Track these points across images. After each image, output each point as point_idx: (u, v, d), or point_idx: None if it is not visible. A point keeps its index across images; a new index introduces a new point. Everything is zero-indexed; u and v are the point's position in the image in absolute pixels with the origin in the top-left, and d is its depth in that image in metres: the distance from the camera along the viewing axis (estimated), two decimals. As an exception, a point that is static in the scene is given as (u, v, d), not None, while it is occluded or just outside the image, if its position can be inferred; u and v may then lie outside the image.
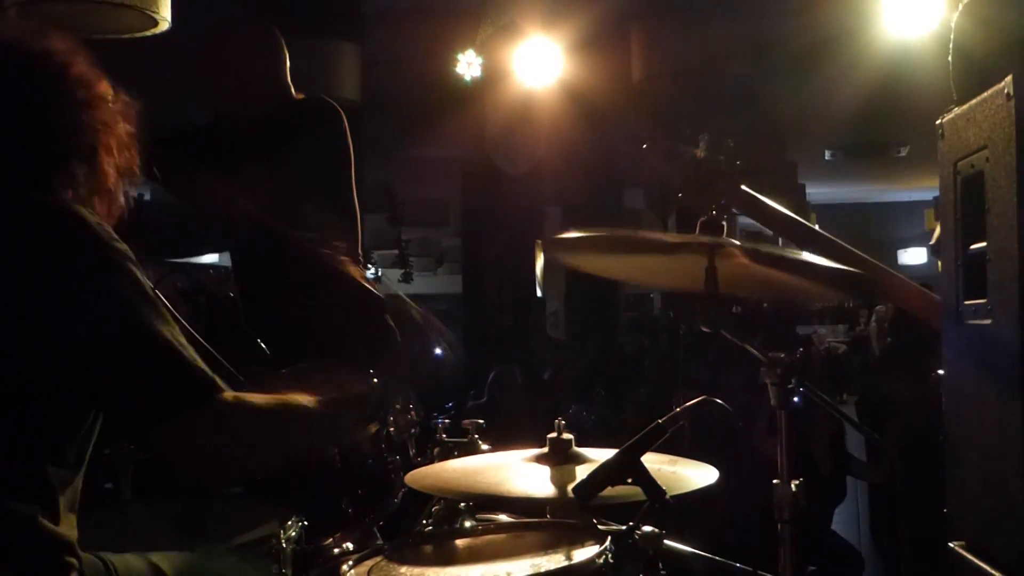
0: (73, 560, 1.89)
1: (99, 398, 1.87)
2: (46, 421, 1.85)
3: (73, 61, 1.99)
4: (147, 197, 3.99)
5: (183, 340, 1.87)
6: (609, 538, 2.33)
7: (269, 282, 3.94)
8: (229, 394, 1.88)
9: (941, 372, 2.55)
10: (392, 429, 3.16)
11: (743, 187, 2.87)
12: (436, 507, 2.84)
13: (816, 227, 3.14)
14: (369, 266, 16.78)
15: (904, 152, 13.40)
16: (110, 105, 2.03)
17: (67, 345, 1.79)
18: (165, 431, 1.82)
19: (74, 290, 1.81)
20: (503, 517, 2.79)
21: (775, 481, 2.40)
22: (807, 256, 2.52)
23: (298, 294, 3.84)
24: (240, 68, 3.80)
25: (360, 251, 4.06)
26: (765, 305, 8.84)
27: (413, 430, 3.22)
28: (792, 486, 2.39)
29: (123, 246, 1.89)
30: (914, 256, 21.24)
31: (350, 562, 2.43)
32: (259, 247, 3.91)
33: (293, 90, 3.94)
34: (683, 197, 2.89)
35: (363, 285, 4.04)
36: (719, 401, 2.34)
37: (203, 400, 1.84)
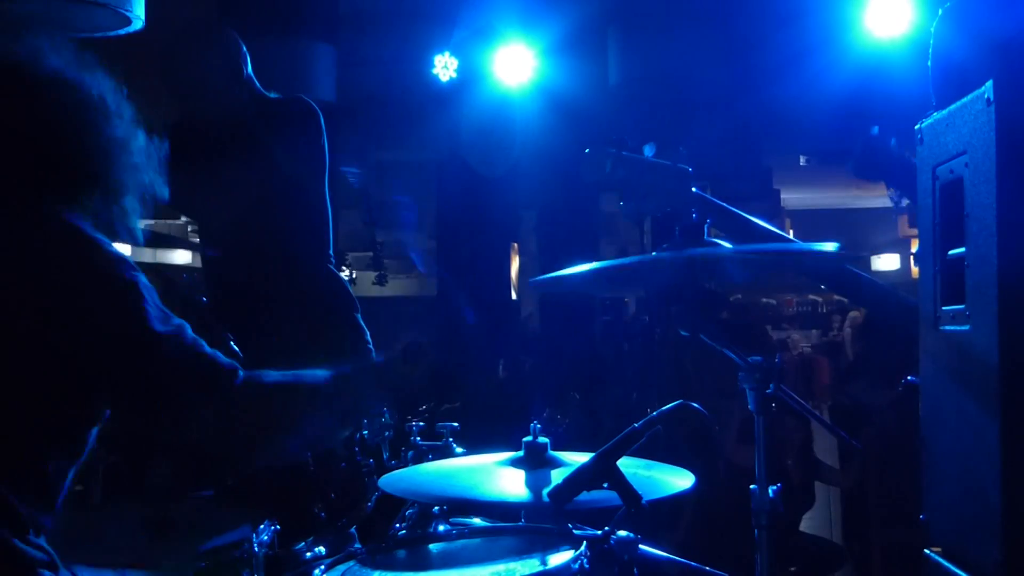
0: None
1: (126, 401, 1.98)
2: (54, 423, 1.92)
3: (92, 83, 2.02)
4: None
5: (191, 335, 1.99)
6: (584, 543, 2.31)
7: (243, 283, 3.92)
8: (245, 374, 2.02)
9: (911, 379, 2.55)
10: (366, 432, 3.14)
11: (694, 190, 2.85)
12: (410, 511, 2.82)
13: (775, 229, 3.12)
14: (343, 268, 16.78)
15: (878, 158, 13.44)
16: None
17: (86, 358, 1.89)
18: (195, 418, 1.96)
19: (87, 306, 1.89)
20: (477, 521, 2.78)
21: (752, 487, 2.39)
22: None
23: (271, 295, 3.83)
24: (197, 70, 3.81)
25: (332, 250, 4.04)
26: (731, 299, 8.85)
27: (387, 433, 3.20)
28: (770, 492, 2.37)
29: (125, 257, 1.96)
30: (887, 262, 21.35)
31: (322, 566, 2.40)
32: (232, 246, 3.89)
33: (260, 87, 3.93)
34: (625, 204, 2.86)
35: (335, 285, 4.03)
36: (696, 406, 2.32)
37: (222, 385, 1.97)
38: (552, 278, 2.60)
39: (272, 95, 3.96)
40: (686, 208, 2.64)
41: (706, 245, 2.44)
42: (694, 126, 10.19)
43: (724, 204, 3.07)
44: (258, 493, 2.88)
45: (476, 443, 3.17)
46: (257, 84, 3.93)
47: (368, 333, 4.01)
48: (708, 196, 2.95)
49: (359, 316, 4.03)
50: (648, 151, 2.83)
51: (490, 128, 10.12)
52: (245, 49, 3.91)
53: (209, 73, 3.82)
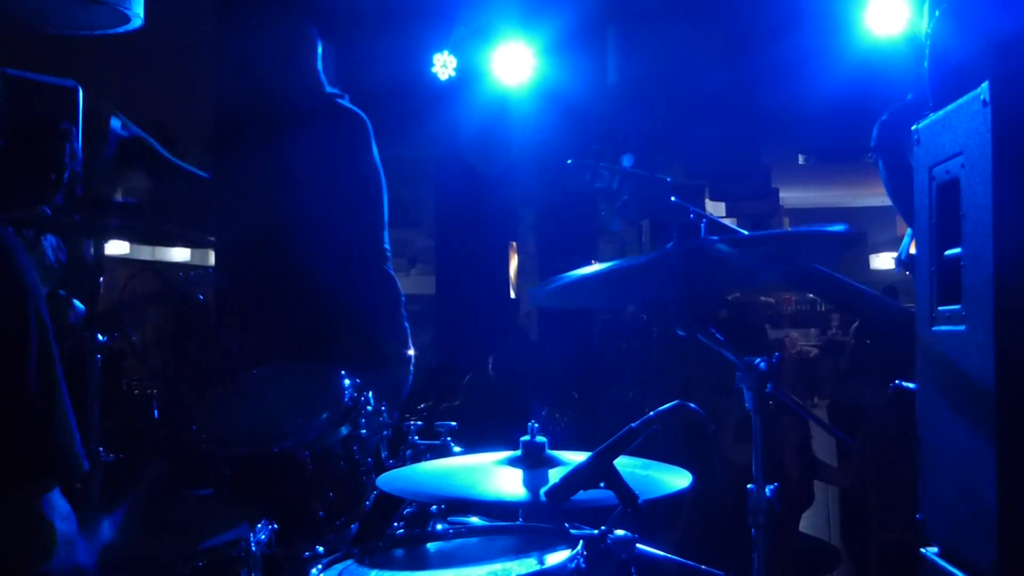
0: None
1: None
2: None
3: None
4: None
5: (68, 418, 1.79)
6: (581, 542, 2.32)
7: (262, 278, 3.93)
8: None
9: (900, 382, 2.56)
10: (364, 432, 3.14)
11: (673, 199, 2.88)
12: (408, 510, 2.82)
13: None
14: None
15: (877, 157, 13.44)
16: None
17: None
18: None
19: None
20: (475, 520, 2.78)
21: (749, 486, 2.39)
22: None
23: (296, 288, 3.83)
24: (282, 58, 3.93)
25: (385, 242, 4.02)
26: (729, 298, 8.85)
27: (385, 432, 3.20)
28: (767, 491, 2.38)
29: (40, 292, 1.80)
30: (885, 261, 21.35)
31: (319, 565, 2.41)
32: (252, 239, 3.90)
33: (328, 87, 3.97)
34: (604, 216, 2.90)
35: (384, 284, 4.01)
36: (693, 407, 2.33)
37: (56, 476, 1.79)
38: (554, 289, 2.59)
39: (339, 101, 3.98)
40: (666, 217, 2.66)
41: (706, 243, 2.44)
42: (693, 125, 10.21)
43: (707, 214, 3.12)
44: (256, 492, 2.88)
45: (470, 441, 3.17)
46: (324, 83, 3.96)
47: (408, 330, 4.02)
48: (687, 205, 2.98)
49: (404, 315, 4.04)
50: (626, 161, 2.87)
51: (489, 127, 10.11)
52: (321, 48, 4.01)
53: (274, 52, 3.85)
